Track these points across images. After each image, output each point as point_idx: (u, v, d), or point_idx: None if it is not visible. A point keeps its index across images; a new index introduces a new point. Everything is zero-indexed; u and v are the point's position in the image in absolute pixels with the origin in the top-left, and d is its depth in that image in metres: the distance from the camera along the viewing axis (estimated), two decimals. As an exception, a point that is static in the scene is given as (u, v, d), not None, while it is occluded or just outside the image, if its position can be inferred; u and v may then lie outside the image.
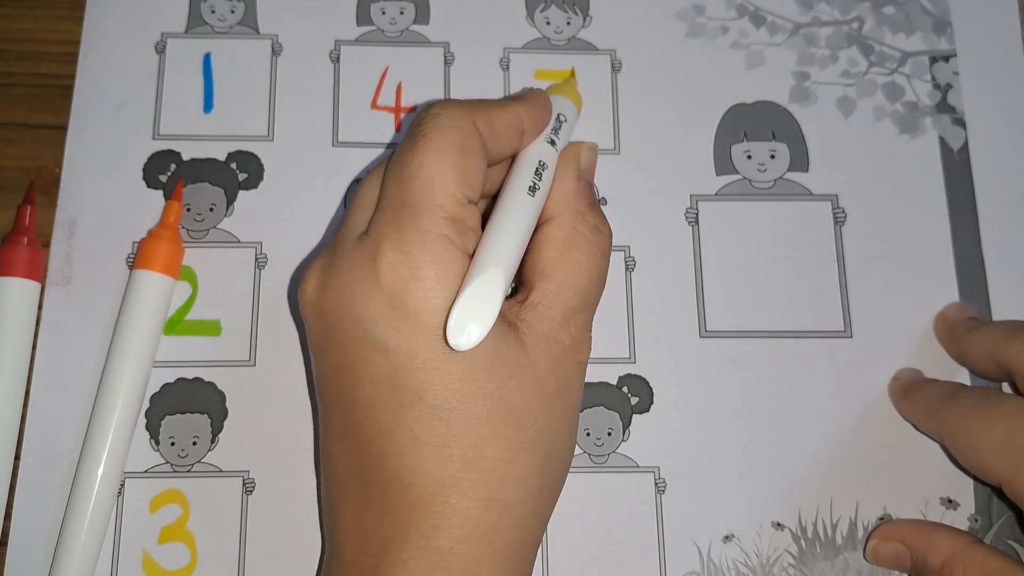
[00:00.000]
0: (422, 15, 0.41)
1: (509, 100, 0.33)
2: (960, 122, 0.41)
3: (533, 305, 0.30)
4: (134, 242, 0.37)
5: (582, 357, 0.31)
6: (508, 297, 0.31)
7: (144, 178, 0.38)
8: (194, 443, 0.35)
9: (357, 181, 0.39)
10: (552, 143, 0.33)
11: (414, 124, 0.30)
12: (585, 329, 0.31)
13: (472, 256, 0.29)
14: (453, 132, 0.29)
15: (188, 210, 0.38)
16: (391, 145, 0.39)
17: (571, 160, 0.33)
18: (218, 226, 0.38)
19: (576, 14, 0.42)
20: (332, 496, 0.30)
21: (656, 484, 0.36)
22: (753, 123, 0.40)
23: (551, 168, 0.32)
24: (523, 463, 0.28)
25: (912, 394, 0.36)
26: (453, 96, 0.40)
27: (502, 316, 0.29)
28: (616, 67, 0.41)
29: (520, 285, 0.32)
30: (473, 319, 0.27)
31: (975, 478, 0.36)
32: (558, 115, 0.34)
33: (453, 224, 0.28)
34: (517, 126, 0.32)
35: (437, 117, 0.30)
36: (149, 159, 0.39)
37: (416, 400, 0.28)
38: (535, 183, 0.31)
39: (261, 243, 0.38)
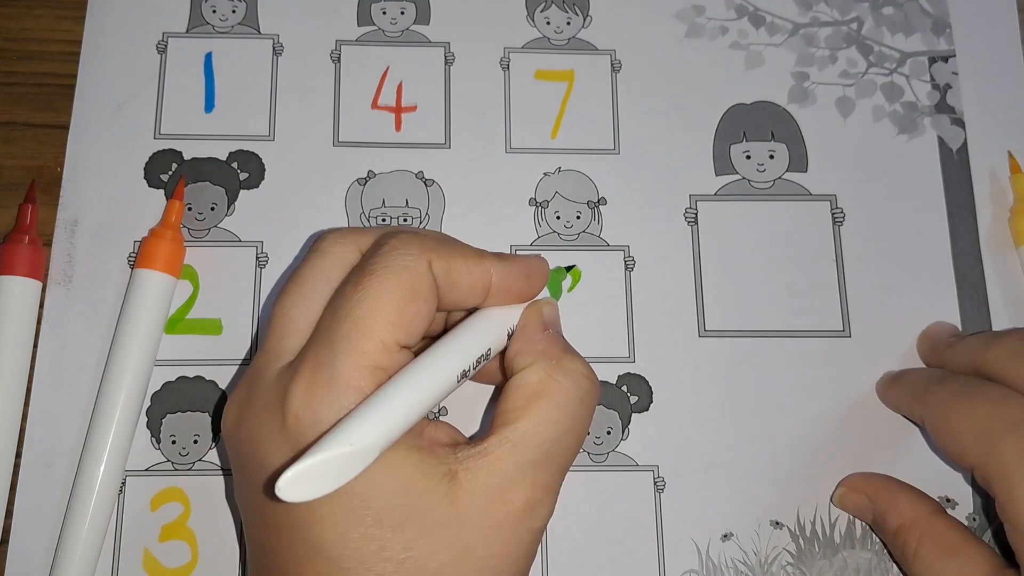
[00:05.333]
0: (423, 15, 0.41)
1: (487, 253, 0.30)
2: (959, 122, 0.41)
3: (483, 452, 0.27)
4: (135, 241, 0.38)
5: (536, 523, 0.27)
6: (464, 441, 0.28)
7: (145, 177, 0.38)
8: (195, 441, 0.36)
9: (359, 180, 0.39)
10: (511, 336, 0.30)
11: (368, 254, 0.29)
12: (546, 491, 0.28)
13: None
14: (402, 272, 0.27)
15: (189, 209, 0.38)
16: (391, 145, 0.39)
17: (534, 314, 0.30)
18: (219, 225, 0.38)
19: (576, 14, 0.42)
20: None
21: (655, 483, 0.36)
22: (752, 123, 0.40)
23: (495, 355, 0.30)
24: None
25: (898, 379, 0.36)
26: (454, 96, 0.40)
27: (439, 460, 0.26)
28: (616, 67, 0.41)
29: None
30: (310, 483, 0.23)
31: (953, 465, 0.36)
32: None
33: (372, 374, 0.26)
34: (482, 282, 0.29)
35: (390, 253, 0.28)
36: (150, 158, 0.39)
37: (314, 555, 0.26)
38: (468, 370, 0.28)
39: (262, 242, 0.38)
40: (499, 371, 0.32)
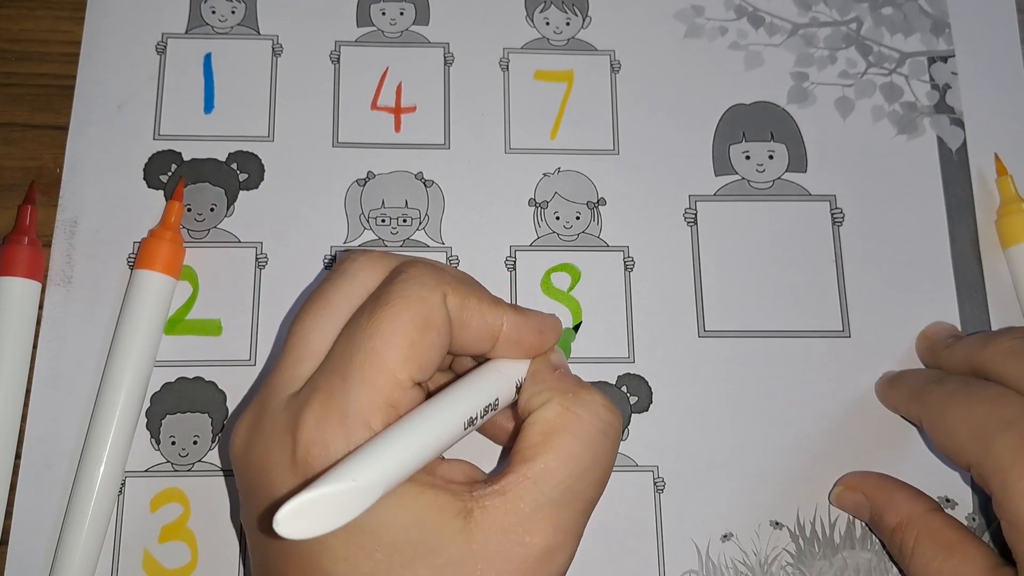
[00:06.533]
0: (422, 16, 0.41)
1: (502, 301, 0.29)
2: (958, 122, 0.41)
3: (500, 491, 0.26)
4: (135, 242, 0.38)
5: (554, 570, 0.26)
6: (482, 479, 0.28)
7: (145, 178, 0.38)
8: (195, 442, 0.36)
9: (358, 181, 0.39)
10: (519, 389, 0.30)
11: (384, 282, 0.28)
12: (568, 534, 0.27)
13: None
14: (416, 303, 0.27)
15: (189, 210, 0.38)
16: (391, 145, 0.39)
17: (543, 360, 0.30)
18: (219, 226, 0.38)
19: (575, 15, 0.42)
20: None
21: (655, 483, 0.36)
22: (752, 124, 0.40)
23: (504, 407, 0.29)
24: None
25: (897, 380, 0.36)
26: (453, 97, 0.40)
27: (454, 497, 0.26)
28: (615, 68, 0.41)
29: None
30: (311, 519, 0.23)
31: (951, 465, 0.36)
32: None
33: (383, 411, 0.26)
34: (493, 328, 0.28)
35: (406, 283, 0.27)
36: (150, 159, 0.39)
37: None
38: (476, 418, 0.28)
39: (261, 243, 0.38)
40: (505, 428, 0.32)
